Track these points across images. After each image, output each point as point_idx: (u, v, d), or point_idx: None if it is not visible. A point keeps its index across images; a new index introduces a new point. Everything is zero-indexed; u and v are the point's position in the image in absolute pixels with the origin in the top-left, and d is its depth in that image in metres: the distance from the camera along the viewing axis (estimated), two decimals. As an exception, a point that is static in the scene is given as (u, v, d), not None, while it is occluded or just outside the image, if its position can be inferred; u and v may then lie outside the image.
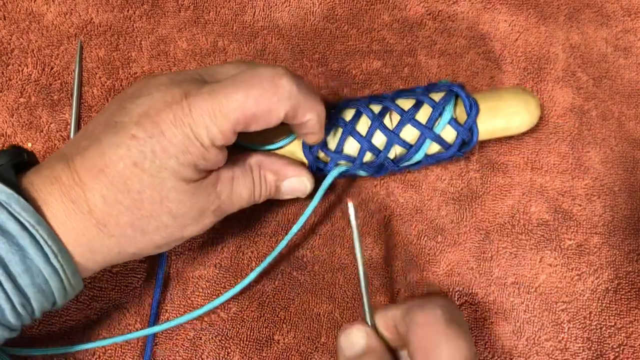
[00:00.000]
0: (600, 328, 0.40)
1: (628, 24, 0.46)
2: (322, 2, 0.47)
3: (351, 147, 0.39)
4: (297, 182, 0.39)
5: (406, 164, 0.39)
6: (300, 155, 0.39)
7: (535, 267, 0.41)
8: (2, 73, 0.44)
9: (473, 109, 0.38)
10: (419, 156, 0.39)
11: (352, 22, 0.47)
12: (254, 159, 0.37)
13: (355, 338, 0.34)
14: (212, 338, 0.40)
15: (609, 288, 0.41)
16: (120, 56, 0.45)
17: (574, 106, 0.45)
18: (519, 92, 0.40)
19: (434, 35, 0.46)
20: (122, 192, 0.31)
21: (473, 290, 0.41)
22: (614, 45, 0.46)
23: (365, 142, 0.38)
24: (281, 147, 0.39)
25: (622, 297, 0.41)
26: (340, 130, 0.39)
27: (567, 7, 0.47)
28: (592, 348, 0.40)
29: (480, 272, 0.42)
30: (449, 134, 0.38)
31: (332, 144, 0.39)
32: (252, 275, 0.38)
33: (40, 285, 0.30)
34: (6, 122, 0.43)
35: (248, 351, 0.40)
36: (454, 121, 0.38)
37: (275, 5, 0.47)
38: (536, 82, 0.45)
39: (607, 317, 0.41)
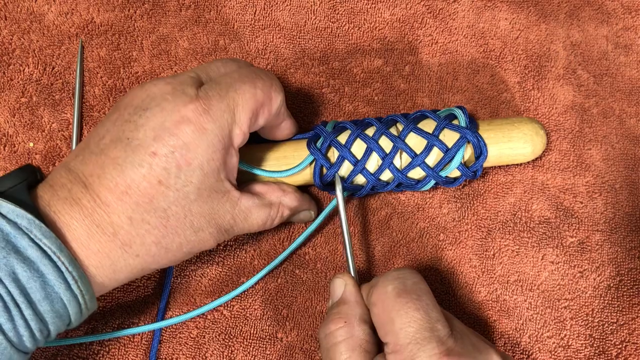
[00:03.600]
0: (603, 325, 0.40)
1: (628, 21, 0.47)
2: (323, 0, 0.47)
3: (360, 179, 0.40)
4: (306, 215, 0.41)
5: (409, 190, 0.41)
6: (310, 179, 0.40)
7: (538, 265, 0.42)
8: (4, 73, 0.44)
9: (482, 157, 0.39)
10: (422, 189, 0.40)
11: (353, 21, 0.47)
12: (275, 196, 0.38)
13: (335, 287, 0.36)
14: (215, 336, 0.40)
15: (611, 285, 0.41)
16: (121, 56, 0.45)
17: (575, 104, 0.45)
18: (525, 119, 0.41)
19: (435, 34, 0.46)
20: (149, 212, 0.31)
21: (475, 288, 0.41)
22: (614, 42, 0.46)
23: (374, 179, 0.39)
24: (295, 174, 0.40)
25: (624, 294, 0.41)
26: (351, 168, 0.39)
27: (568, 5, 0.47)
28: (595, 345, 0.40)
29: (483, 270, 0.42)
30: (454, 173, 0.40)
31: (343, 174, 0.40)
32: (258, 276, 0.40)
33: (59, 311, 0.29)
34: (8, 121, 0.43)
35: (251, 349, 0.40)
36: (461, 166, 0.39)
37: (276, 4, 0.47)
38: (537, 80, 0.45)
39: (609, 314, 0.41)
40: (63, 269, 0.29)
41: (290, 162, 0.40)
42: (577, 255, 0.42)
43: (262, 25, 0.46)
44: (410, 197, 0.43)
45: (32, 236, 0.28)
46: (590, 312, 0.41)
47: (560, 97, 0.45)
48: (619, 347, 0.40)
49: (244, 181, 0.39)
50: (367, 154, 0.39)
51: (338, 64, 0.46)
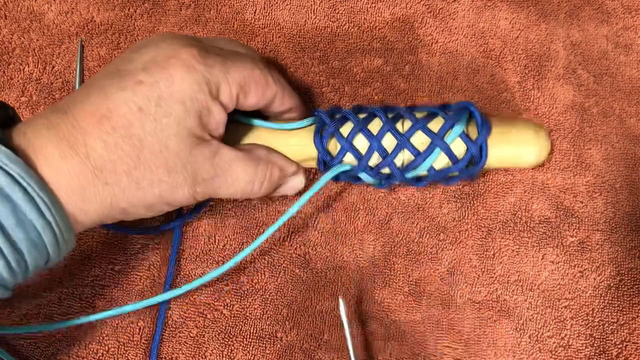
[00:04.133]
0: (603, 324, 0.40)
1: (628, 21, 0.47)
2: (323, 0, 0.47)
3: (360, 143, 0.38)
4: (297, 180, 0.39)
5: (413, 174, 0.38)
6: (310, 146, 0.39)
7: (538, 265, 0.41)
8: (4, 72, 0.44)
9: (484, 128, 0.38)
10: (426, 165, 0.38)
11: (353, 20, 0.47)
12: (264, 152, 0.37)
13: None
14: (215, 336, 0.40)
15: (611, 285, 0.41)
16: (121, 55, 0.45)
17: (575, 103, 0.45)
18: (531, 124, 0.40)
19: (435, 33, 0.46)
20: (124, 137, 0.31)
21: (476, 288, 0.41)
22: (614, 42, 0.46)
23: (375, 141, 0.38)
24: (295, 129, 0.39)
25: (625, 293, 0.41)
26: (351, 126, 0.38)
27: (568, 5, 0.47)
28: (595, 344, 0.40)
29: (483, 269, 0.42)
30: (459, 148, 0.38)
31: (344, 134, 0.38)
32: (263, 237, 0.38)
33: (33, 240, 0.28)
34: (7, 121, 0.43)
35: (251, 348, 0.40)
36: (464, 135, 0.38)
37: (276, 3, 0.47)
38: (537, 79, 0.45)
39: (609, 314, 0.41)
40: (34, 194, 0.28)
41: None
42: (578, 255, 0.42)
43: (262, 24, 0.46)
44: (410, 197, 0.43)
45: None
46: (591, 312, 0.41)
47: (560, 96, 0.45)
48: (619, 346, 0.40)
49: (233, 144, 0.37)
50: (369, 116, 0.38)
51: (338, 63, 0.46)
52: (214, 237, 0.42)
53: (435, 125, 0.38)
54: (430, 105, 0.40)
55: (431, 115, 0.38)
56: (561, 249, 0.42)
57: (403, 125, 0.38)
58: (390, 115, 0.39)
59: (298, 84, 0.45)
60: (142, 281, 0.41)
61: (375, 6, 0.47)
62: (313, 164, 0.39)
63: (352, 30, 0.46)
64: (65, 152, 0.30)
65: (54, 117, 0.31)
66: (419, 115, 0.39)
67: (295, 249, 0.42)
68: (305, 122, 0.39)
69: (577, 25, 0.47)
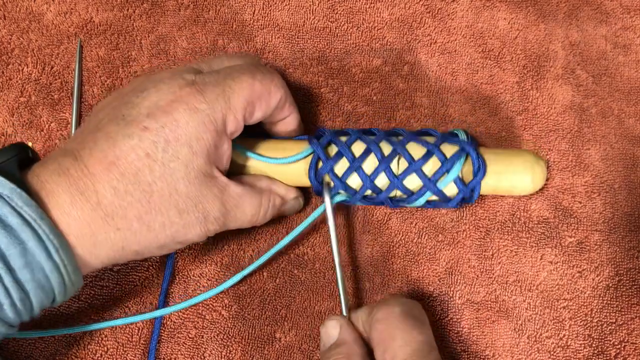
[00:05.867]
0: (602, 325, 0.40)
1: (627, 21, 0.47)
2: (321, 0, 0.47)
3: (354, 181, 0.39)
4: (296, 203, 0.41)
5: (403, 204, 0.40)
6: (305, 177, 0.40)
7: (536, 265, 0.42)
8: (3, 72, 0.44)
9: (480, 173, 0.39)
10: (417, 204, 0.39)
11: (352, 20, 0.47)
12: (265, 183, 0.38)
13: (330, 329, 0.36)
14: (214, 336, 0.40)
15: (610, 285, 0.41)
16: (120, 55, 0.45)
17: (574, 104, 0.45)
18: (528, 159, 0.40)
19: (434, 34, 0.46)
20: (133, 184, 0.31)
21: (474, 289, 0.41)
22: (613, 42, 0.46)
23: (369, 181, 0.39)
24: (291, 162, 0.39)
25: (623, 294, 0.41)
26: (347, 165, 0.39)
27: (567, 5, 0.47)
28: (594, 345, 0.40)
29: (482, 270, 0.42)
30: (451, 189, 0.39)
31: (338, 172, 0.39)
32: (251, 267, 0.39)
33: (40, 281, 0.29)
34: (6, 121, 0.43)
35: (250, 349, 0.40)
36: (459, 180, 0.39)
37: (275, 3, 0.47)
38: (535, 79, 0.45)
39: (608, 314, 0.41)
40: (44, 236, 0.29)
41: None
42: (576, 255, 0.42)
43: (261, 24, 0.46)
44: (408, 197, 0.43)
45: (12, 204, 0.28)
46: (589, 312, 0.41)
47: (559, 96, 0.45)
48: (617, 347, 0.40)
49: (234, 174, 0.38)
50: (365, 153, 0.39)
51: (337, 63, 0.46)
52: (213, 237, 0.42)
53: (432, 167, 0.39)
54: (429, 132, 0.41)
55: (427, 155, 0.39)
56: (560, 249, 0.42)
57: (399, 165, 0.39)
58: (386, 151, 0.39)
59: (296, 85, 0.45)
60: (140, 281, 0.41)
61: (374, 6, 0.47)
62: (308, 184, 0.40)
63: (351, 30, 0.46)
64: (76, 199, 0.31)
65: (65, 162, 0.31)
66: (416, 150, 0.39)
67: (294, 249, 0.42)
68: (300, 155, 0.39)
69: (575, 25, 0.47)
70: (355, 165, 0.39)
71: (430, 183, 0.38)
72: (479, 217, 0.42)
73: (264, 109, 0.36)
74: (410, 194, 0.39)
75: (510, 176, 0.40)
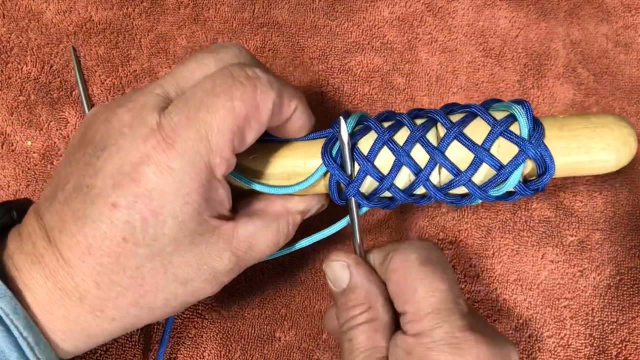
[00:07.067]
0: (603, 324, 0.40)
1: (628, 19, 0.46)
2: (322, -1, 0.47)
3: (387, 192, 0.33)
4: (321, 208, 0.36)
5: (448, 203, 0.33)
6: (323, 189, 0.34)
7: (538, 264, 0.41)
8: (2, 71, 0.44)
9: (547, 175, 0.31)
10: (465, 204, 0.33)
11: (352, 19, 0.46)
12: (280, 204, 0.33)
13: (338, 273, 0.31)
14: (213, 336, 0.40)
15: (611, 284, 0.41)
16: (119, 54, 0.45)
17: (575, 102, 0.45)
18: (613, 132, 0.32)
19: (435, 32, 0.46)
20: (117, 273, 0.27)
21: (475, 287, 0.41)
22: (614, 41, 0.46)
23: (404, 196, 0.33)
24: (309, 186, 0.33)
25: (624, 293, 0.41)
26: (375, 185, 0.33)
27: (568, 3, 0.47)
28: (595, 344, 0.40)
29: (482, 269, 0.41)
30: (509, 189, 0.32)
31: (365, 192, 0.34)
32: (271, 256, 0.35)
33: None
34: (6, 120, 0.43)
35: (249, 348, 0.40)
36: (519, 184, 0.31)
37: (275, 2, 0.47)
38: (537, 78, 0.45)
39: (609, 313, 0.40)
40: (16, 334, 0.25)
41: (300, 178, 0.33)
42: (577, 254, 0.42)
43: (261, 23, 0.46)
44: (409, 196, 0.43)
45: None
46: (590, 312, 0.41)
47: (560, 95, 0.45)
48: (619, 346, 0.40)
49: (240, 193, 0.33)
50: (395, 169, 0.32)
51: (337, 62, 0.46)
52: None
53: (483, 177, 0.32)
54: (473, 139, 0.32)
55: (476, 164, 0.31)
56: (561, 248, 0.42)
57: (440, 176, 0.32)
58: (422, 162, 0.32)
59: (297, 84, 0.45)
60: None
61: (374, 5, 0.47)
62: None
63: (352, 29, 0.46)
64: (55, 295, 0.27)
65: (39, 244, 0.27)
66: (458, 155, 0.32)
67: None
68: (311, 179, 0.33)
69: (577, 23, 0.46)
70: (386, 184, 0.32)
71: (481, 193, 0.32)
72: (480, 215, 0.42)
73: (257, 127, 0.29)
74: (460, 198, 0.33)
75: (589, 158, 0.32)
